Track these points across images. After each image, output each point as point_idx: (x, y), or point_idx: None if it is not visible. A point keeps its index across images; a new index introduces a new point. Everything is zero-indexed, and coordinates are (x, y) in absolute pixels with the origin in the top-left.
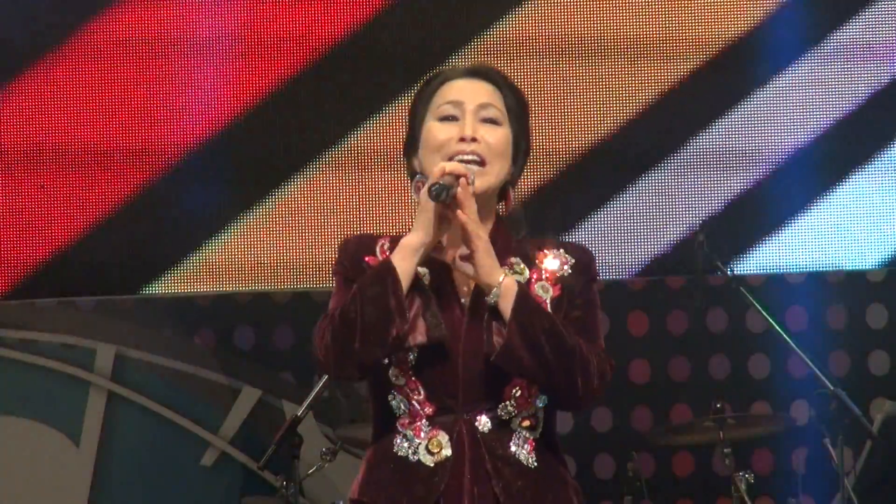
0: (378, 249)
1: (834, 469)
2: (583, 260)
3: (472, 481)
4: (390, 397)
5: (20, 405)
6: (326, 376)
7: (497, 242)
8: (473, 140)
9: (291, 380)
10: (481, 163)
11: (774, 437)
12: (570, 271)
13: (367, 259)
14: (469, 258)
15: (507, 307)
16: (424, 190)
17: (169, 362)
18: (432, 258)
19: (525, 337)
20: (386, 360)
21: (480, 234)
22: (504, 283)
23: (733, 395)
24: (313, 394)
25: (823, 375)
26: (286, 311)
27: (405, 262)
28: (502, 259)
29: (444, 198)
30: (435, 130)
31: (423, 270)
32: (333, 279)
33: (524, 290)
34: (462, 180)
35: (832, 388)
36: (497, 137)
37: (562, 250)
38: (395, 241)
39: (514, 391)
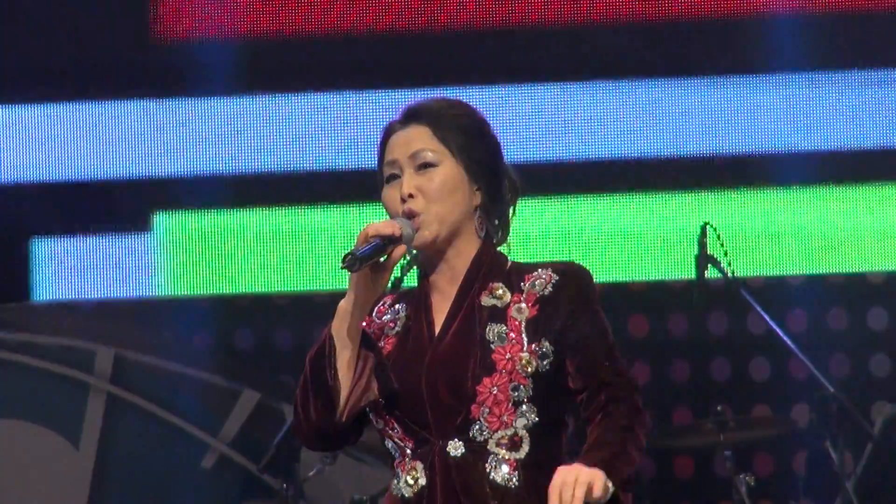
0: (375, 310)
1: (835, 472)
2: (568, 274)
3: None
4: (385, 442)
5: (20, 408)
6: None
7: (483, 266)
8: (410, 196)
9: (291, 382)
10: (417, 215)
11: (775, 439)
12: (551, 289)
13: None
14: None
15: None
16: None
17: (169, 365)
18: (414, 292)
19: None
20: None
21: None
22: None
23: (734, 398)
24: None
25: (824, 378)
26: (286, 314)
27: (339, 326)
28: (486, 284)
29: (357, 268)
30: (385, 197)
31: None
32: None
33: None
34: (397, 232)
35: (833, 390)
36: (436, 181)
37: (550, 269)
38: (398, 296)
39: (482, 410)
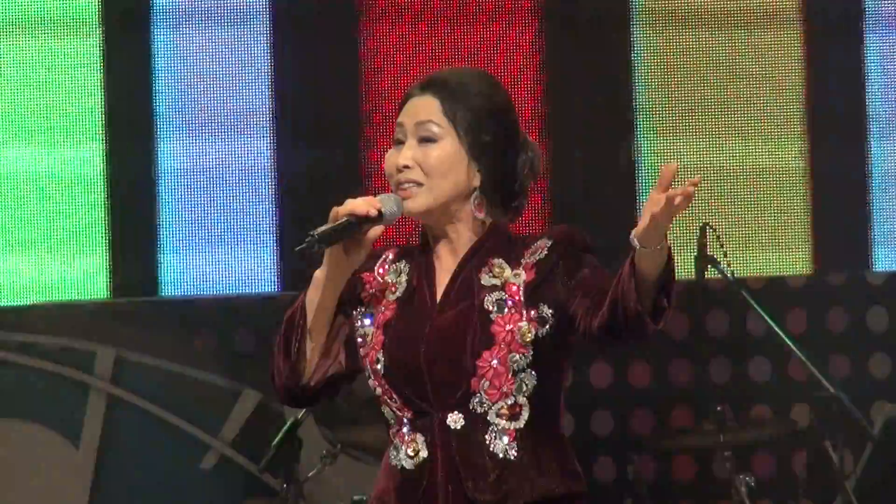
0: (378, 263)
1: (835, 472)
2: (560, 235)
3: (445, 479)
4: (383, 408)
5: (20, 408)
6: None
7: (482, 247)
8: (406, 167)
9: None
10: (419, 185)
11: (775, 440)
12: (546, 252)
13: (363, 275)
14: None
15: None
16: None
17: (169, 365)
18: (418, 253)
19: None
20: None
21: None
22: None
23: (734, 399)
24: None
25: (824, 378)
26: None
27: (313, 295)
28: (485, 261)
29: (317, 248)
30: (387, 158)
31: (403, 266)
32: None
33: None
34: (373, 212)
35: (833, 391)
36: (433, 156)
37: (545, 238)
38: (401, 252)
39: (481, 383)
